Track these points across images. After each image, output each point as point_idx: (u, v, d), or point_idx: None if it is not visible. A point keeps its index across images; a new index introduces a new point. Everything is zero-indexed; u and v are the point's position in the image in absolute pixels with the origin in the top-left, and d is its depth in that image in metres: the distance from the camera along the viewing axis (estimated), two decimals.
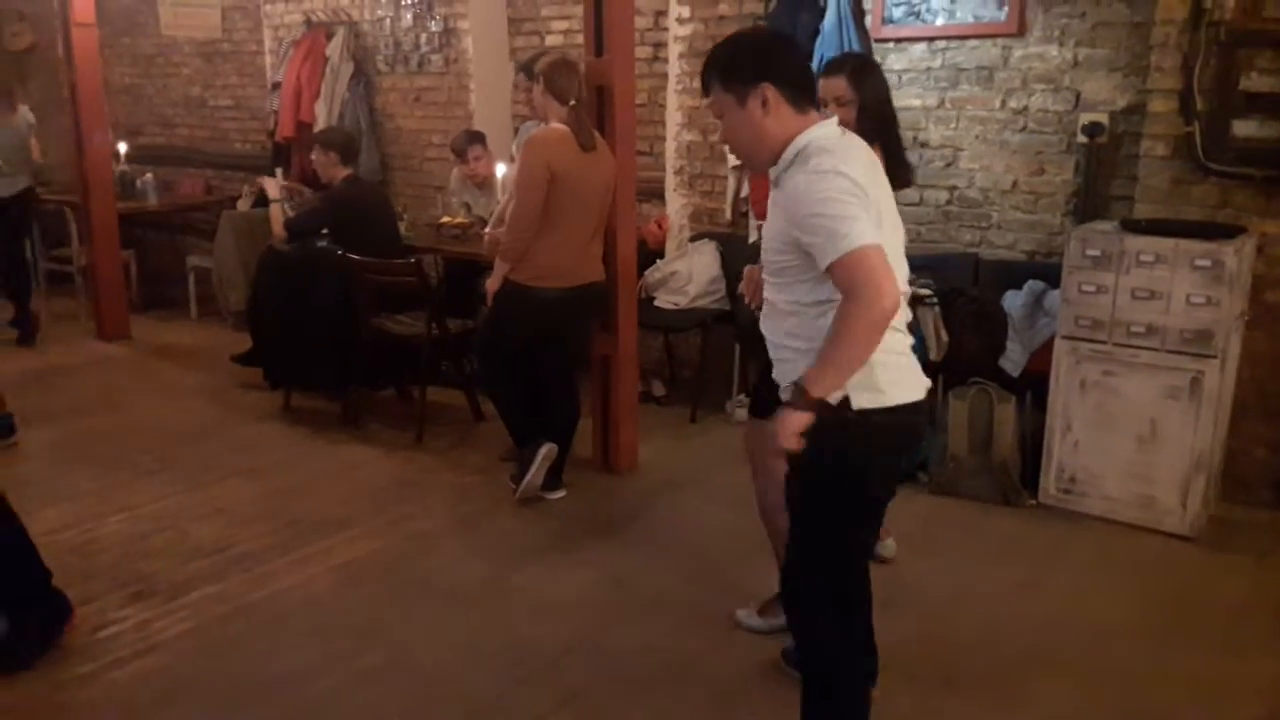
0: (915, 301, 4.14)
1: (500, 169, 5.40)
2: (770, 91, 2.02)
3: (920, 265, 4.51)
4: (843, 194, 1.92)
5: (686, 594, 3.24)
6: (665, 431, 4.79)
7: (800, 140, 2.03)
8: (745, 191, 5.06)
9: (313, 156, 5.02)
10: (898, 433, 2.13)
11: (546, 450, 3.88)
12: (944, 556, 3.55)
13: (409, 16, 6.41)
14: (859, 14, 4.58)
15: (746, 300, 2.59)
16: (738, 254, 5.02)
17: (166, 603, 3.19)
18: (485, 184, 5.49)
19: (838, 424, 2.00)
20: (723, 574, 3.37)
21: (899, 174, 3.00)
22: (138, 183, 7.20)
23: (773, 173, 2.09)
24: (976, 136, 4.51)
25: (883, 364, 2.03)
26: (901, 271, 2.12)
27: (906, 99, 4.63)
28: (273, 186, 5.23)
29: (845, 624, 2.25)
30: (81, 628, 3.03)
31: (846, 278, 1.88)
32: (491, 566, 3.45)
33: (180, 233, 7.81)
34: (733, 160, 5.13)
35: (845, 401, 2.02)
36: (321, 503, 3.96)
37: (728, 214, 5.33)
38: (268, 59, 7.28)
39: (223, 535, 3.67)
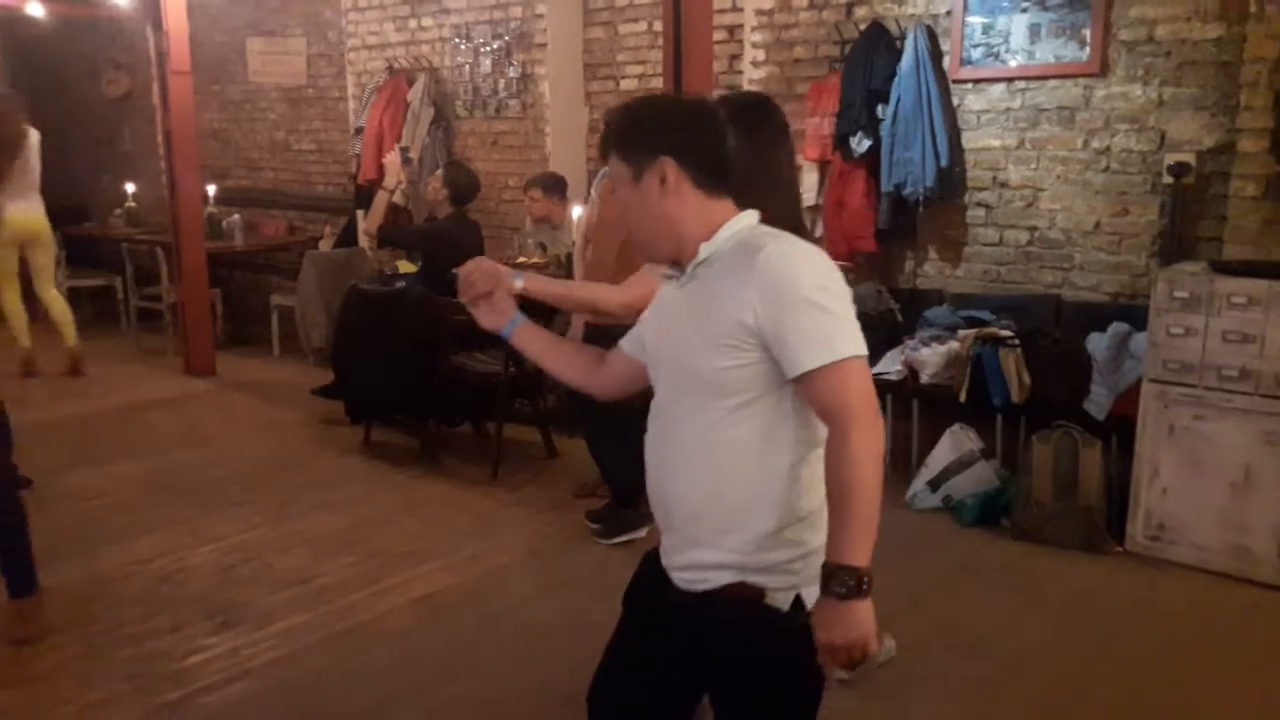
0: (997, 343, 4.12)
1: (576, 211, 5.49)
2: (670, 168, 1.63)
3: (1001, 306, 4.51)
4: (840, 289, 1.55)
5: None
6: None
7: (735, 225, 1.64)
8: (820, 232, 5.06)
9: (429, 180, 5.17)
10: None
11: (649, 533, 3.95)
12: (1028, 604, 3.47)
13: (488, 63, 6.59)
14: (936, 56, 4.60)
15: (463, 297, 2.00)
16: None
17: (254, 631, 3.26)
18: (561, 225, 5.59)
19: (790, 632, 1.56)
20: None
21: None
22: (224, 224, 7.46)
23: (695, 263, 1.64)
24: (1058, 177, 4.47)
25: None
26: None
27: (985, 139, 4.63)
28: (393, 168, 4.98)
29: None
30: (173, 653, 3.13)
31: (841, 392, 1.48)
32: (569, 603, 3.47)
33: (264, 272, 8.05)
34: (808, 201, 5.13)
35: (798, 602, 1.58)
36: (401, 536, 4.03)
37: None
38: (350, 104, 7.52)
39: (307, 566, 3.74)
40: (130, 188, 8.38)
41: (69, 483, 4.60)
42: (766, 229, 1.65)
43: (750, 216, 1.68)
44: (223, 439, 5.31)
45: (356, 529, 4.10)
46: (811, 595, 1.54)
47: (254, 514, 4.24)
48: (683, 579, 1.66)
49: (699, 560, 1.63)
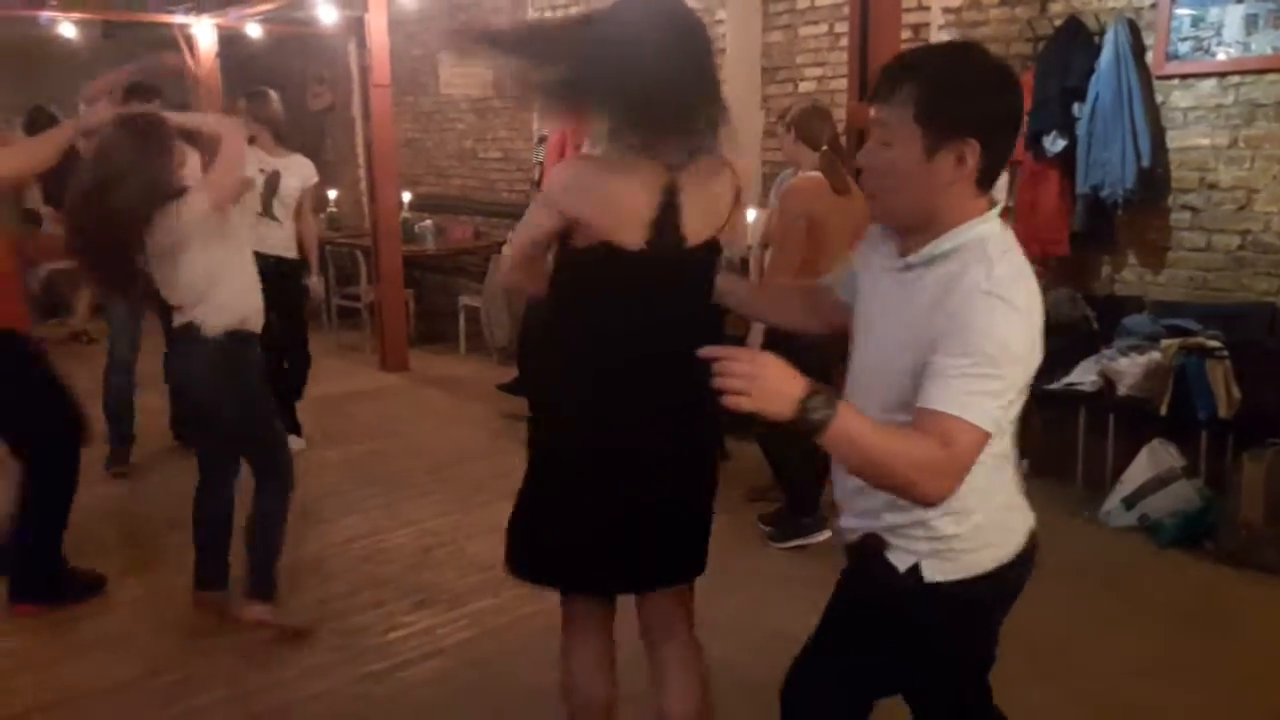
0: (1204, 353, 3.89)
1: (751, 214, 5.50)
2: (973, 154, 1.45)
3: (1208, 315, 4.25)
4: (1016, 353, 1.43)
5: None
6: None
7: (971, 231, 1.50)
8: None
9: None
10: (983, 600, 1.66)
11: (825, 539, 3.97)
12: (1232, 632, 3.26)
13: None
14: (1139, 50, 4.37)
15: None
16: None
17: (448, 611, 3.46)
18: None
19: (900, 594, 1.62)
20: None
21: None
22: (417, 228, 7.88)
23: (914, 256, 1.54)
24: (1275, 177, 4.18)
25: (968, 536, 1.58)
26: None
27: (1193, 138, 4.38)
28: None
29: None
30: (375, 628, 3.35)
31: (945, 440, 1.40)
32: (743, 603, 3.50)
33: (453, 274, 8.46)
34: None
35: (915, 570, 1.59)
36: None
37: None
38: (535, 114, 7.80)
39: (496, 552, 3.81)
40: (332, 194, 8.97)
41: None
42: (1002, 242, 1.50)
43: (994, 223, 1.52)
44: (414, 430, 5.63)
45: None
46: (931, 569, 1.57)
47: (444, 501, 4.49)
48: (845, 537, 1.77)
49: (850, 524, 1.73)
